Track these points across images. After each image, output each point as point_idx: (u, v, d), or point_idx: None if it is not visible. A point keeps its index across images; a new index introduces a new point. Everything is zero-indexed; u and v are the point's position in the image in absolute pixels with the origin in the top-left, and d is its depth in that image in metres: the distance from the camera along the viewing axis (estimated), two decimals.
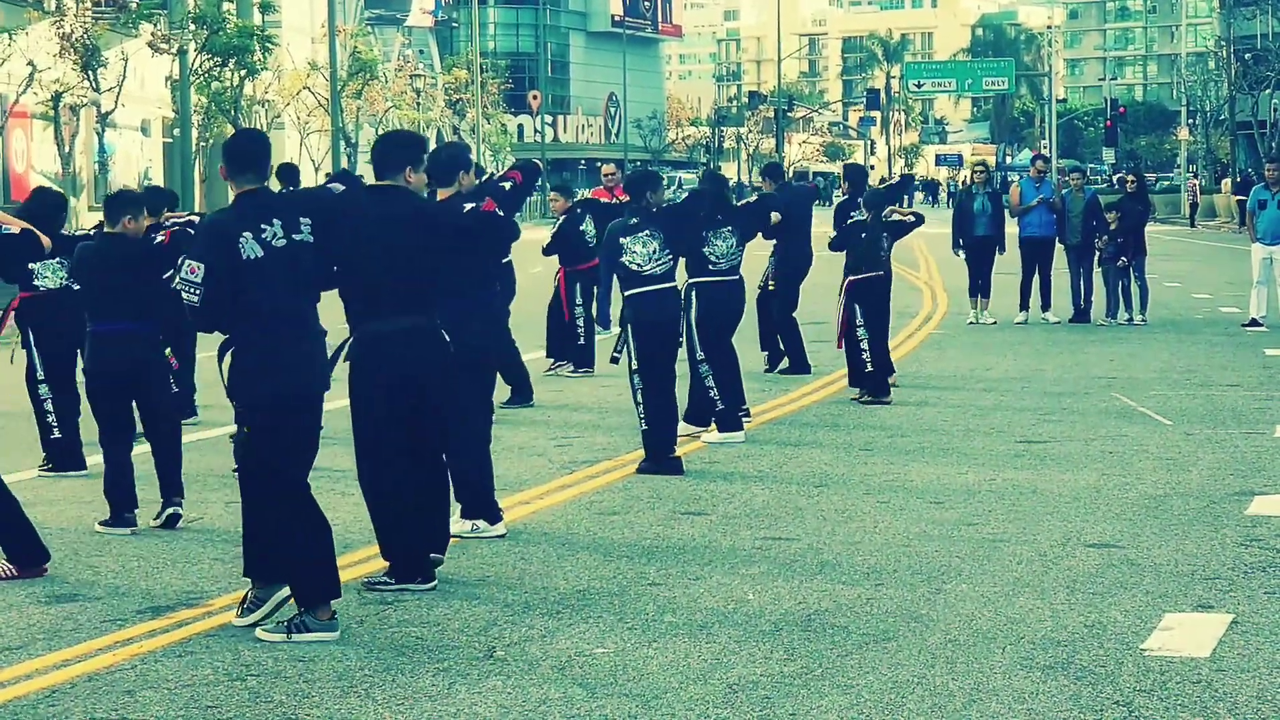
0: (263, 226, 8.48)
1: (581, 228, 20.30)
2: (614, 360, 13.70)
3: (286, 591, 8.59)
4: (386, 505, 9.44)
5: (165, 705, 7.38)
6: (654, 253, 13.28)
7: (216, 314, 8.50)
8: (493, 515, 10.87)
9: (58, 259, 13.13)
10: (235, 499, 11.32)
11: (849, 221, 17.64)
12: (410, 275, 9.28)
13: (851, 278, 17.16)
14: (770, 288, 19.48)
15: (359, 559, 10.11)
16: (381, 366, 9.28)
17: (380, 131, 79.46)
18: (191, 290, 8.41)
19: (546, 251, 20.49)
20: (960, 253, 25.95)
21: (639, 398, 13.22)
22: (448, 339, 9.51)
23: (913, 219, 17.96)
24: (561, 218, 20.69)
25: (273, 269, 8.45)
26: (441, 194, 10.74)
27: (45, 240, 12.03)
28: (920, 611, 8.82)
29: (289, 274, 8.51)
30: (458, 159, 10.91)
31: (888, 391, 17.17)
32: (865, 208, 17.46)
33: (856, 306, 17.10)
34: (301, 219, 8.60)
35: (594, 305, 20.18)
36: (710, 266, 14.58)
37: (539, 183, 17.13)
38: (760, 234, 18.04)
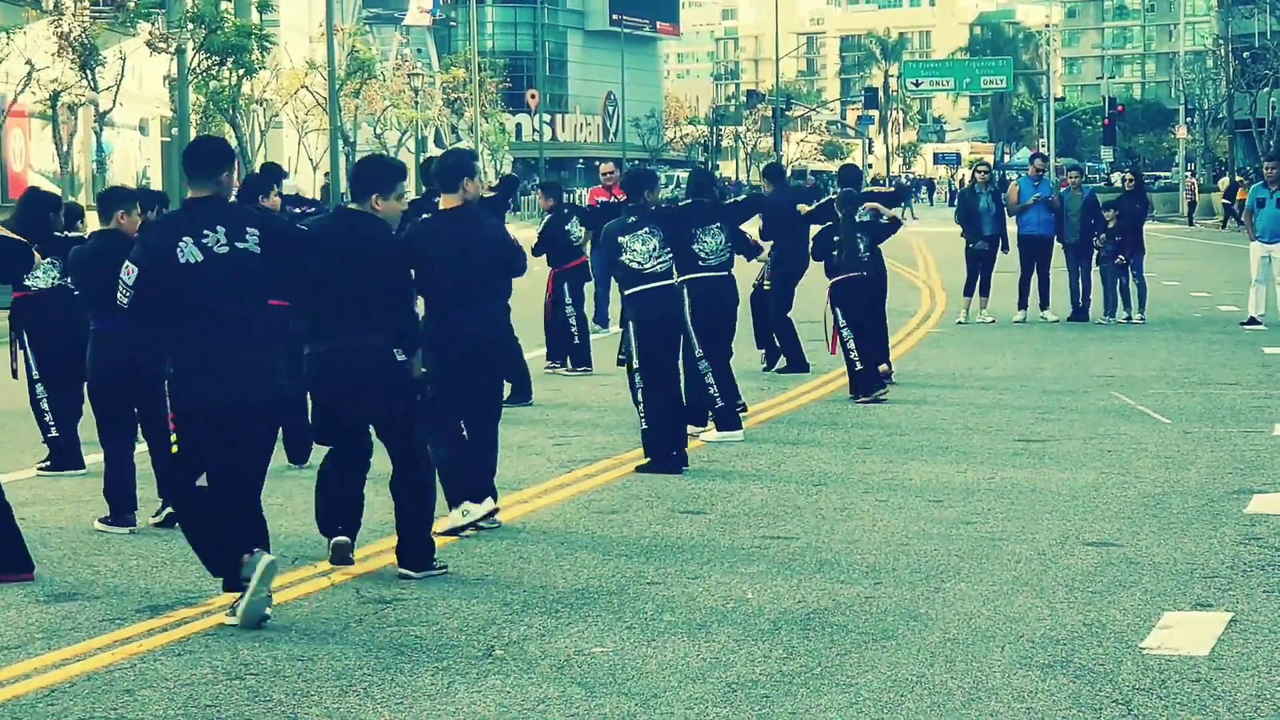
0: (205, 232, 8.66)
1: (567, 227, 20.42)
2: (620, 363, 13.66)
3: (267, 558, 8.61)
4: (323, 492, 9.93)
5: (164, 704, 7.38)
6: (654, 250, 13.27)
7: (142, 316, 8.81)
8: (478, 496, 10.87)
9: (49, 259, 13.14)
10: None
11: (823, 227, 17.73)
12: (366, 296, 9.51)
13: (832, 280, 17.26)
14: (765, 287, 19.50)
15: (358, 557, 10.10)
16: (340, 379, 9.60)
17: (378, 130, 79.22)
18: (124, 292, 8.70)
19: (535, 252, 20.55)
20: (982, 243, 25.71)
21: (639, 396, 13.20)
22: (402, 358, 9.60)
23: (890, 223, 17.97)
24: (546, 217, 20.84)
25: (213, 274, 8.62)
26: (446, 200, 10.85)
27: (36, 256, 12.16)
28: (919, 610, 8.82)
29: (231, 280, 8.66)
30: (461, 166, 10.95)
31: (881, 387, 17.16)
32: (838, 207, 17.49)
33: (838, 310, 17.16)
34: (249, 229, 8.76)
35: (584, 304, 20.24)
36: (700, 263, 14.57)
37: (517, 191, 16.96)
38: (758, 235, 18.11)
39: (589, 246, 20.98)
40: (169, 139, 55.80)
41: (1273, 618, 8.59)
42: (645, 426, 13.20)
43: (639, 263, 13.26)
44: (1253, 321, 24.36)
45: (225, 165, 8.90)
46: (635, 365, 13.22)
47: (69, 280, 12.79)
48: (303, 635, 8.49)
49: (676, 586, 9.45)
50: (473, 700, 7.38)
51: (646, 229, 13.31)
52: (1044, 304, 26.12)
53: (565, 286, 19.97)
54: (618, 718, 7.13)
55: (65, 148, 46.14)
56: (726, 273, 14.79)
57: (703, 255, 14.51)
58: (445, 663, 7.96)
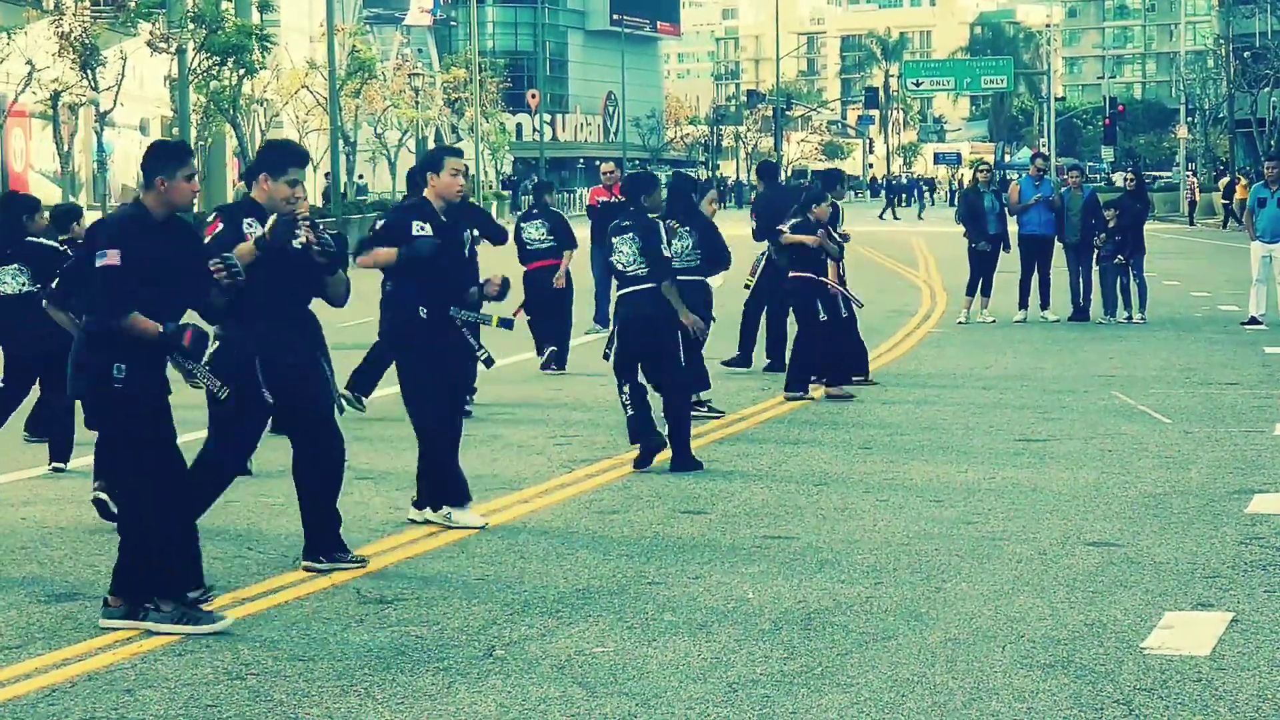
0: None
1: (522, 224, 20.40)
2: (606, 357, 13.67)
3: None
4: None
5: (165, 704, 7.37)
6: (634, 256, 13.29)
7: None
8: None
9: (16, 264, 13.10)
10: (235, 498, 11.36)
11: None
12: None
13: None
14: (748, 285, 19.64)
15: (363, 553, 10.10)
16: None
17: (379, 130, 78.97)
18: None
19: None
20: (985, 244, 25.73)
21: (623, 387, 13.32)
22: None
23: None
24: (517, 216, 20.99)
25: None
26: (427, 192, 11.09)
27: None
28: (920, 610, 8.82)
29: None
30: (425, 164, 11.32)
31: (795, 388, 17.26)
32: (800, 206, 17.54)
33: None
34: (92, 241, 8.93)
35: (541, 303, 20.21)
36: None
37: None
38: (751, 234, 18.20)
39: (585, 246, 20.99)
40: (169, 139, 55.81)
41: (1274, 617, 8.58)
42: (630, 413, 13.26)
43: (623, 265, 13.31)
44: (1253, 321, 24.36)
45: (155, 171, 8.81)
46: (615, 363, 13.35)
47: (39, 286, 12.76)
48: (303, 635, 8.49)
49: (677, 586, 9.45)
50: (473, 700, 7.37)
51: (631, 234, 13.35)
52: (1044, 304, 26.11)
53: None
54: (618, 718, 7.13)
55: (66, 148, 46.17)
56: (693, 277, 14.86)
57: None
58: (446, 663, 7.96)
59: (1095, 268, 25.78)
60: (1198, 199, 72.06)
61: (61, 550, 10.60)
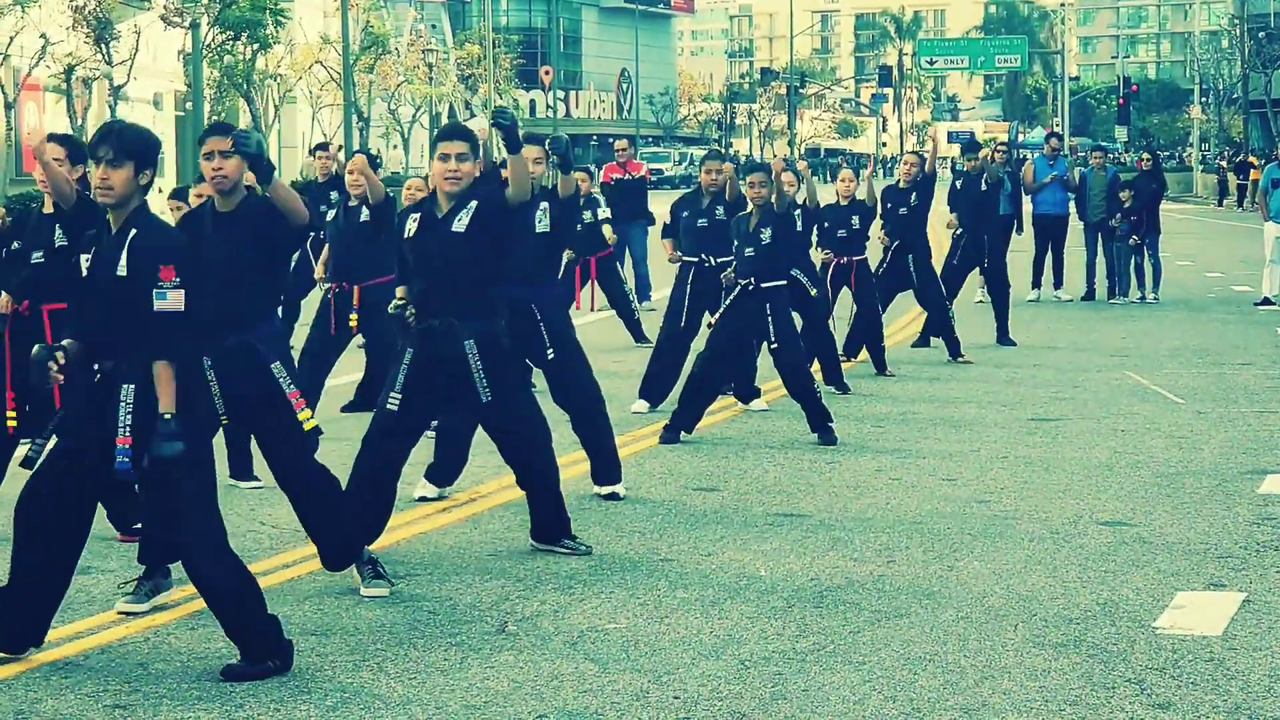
0: None
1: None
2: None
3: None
4: None
5: (178, 677, 7.39)
6: None
7: None
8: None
9: None
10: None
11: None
12: None
13: None
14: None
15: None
16: None
17: (392, 107, 78.86)
18: None
19: None
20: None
21: None
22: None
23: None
24: None
25: None
26: None
27: None
28: (932, 588, 8.82)
29: None
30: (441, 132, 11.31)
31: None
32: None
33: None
34: None
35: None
36: None
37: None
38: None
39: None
40: (183, 113, 55.82)
41: None
42: None
43: None
44: (1266, 302, 24.34)
45: None
46: None
47: None
48: (316, 610, 8.50)
49: (690, 563, 9.46)
50: (485, 675, 7.39)
51: None
52: (1058, 283, 26.08)
53: None
54: (631, 693, 7.14)
55: (79, 121, 46.17)
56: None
57: None
58: (459, 638, 7.97)
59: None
60: (1228, 180, 71.59)
61: None
